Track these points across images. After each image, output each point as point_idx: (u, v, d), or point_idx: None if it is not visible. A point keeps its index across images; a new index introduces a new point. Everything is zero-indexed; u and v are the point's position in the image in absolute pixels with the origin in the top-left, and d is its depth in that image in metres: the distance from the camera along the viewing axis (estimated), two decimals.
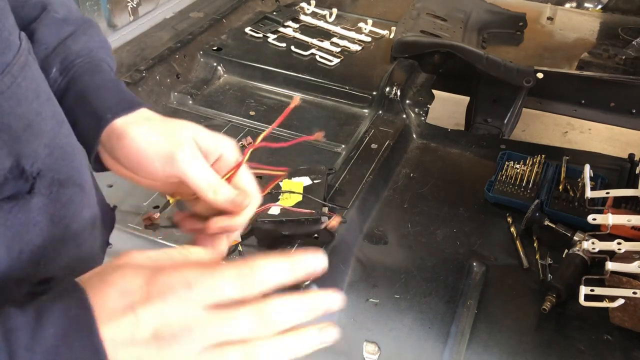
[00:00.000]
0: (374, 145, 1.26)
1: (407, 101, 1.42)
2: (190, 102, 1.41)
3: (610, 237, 0.91)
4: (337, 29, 1.68)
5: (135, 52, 1.49)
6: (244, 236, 0.98)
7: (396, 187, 1.19)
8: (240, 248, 0.97)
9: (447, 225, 1.10)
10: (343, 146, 1.28)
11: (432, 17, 1.70)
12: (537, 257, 1.02)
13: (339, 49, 1.59)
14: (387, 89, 1.41)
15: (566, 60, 1.64)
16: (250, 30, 1.65)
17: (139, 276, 0.36)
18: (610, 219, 0.91)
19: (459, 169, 1.26)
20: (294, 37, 1.64)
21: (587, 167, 1.03)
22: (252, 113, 1.38)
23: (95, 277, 0.37)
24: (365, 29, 1.69)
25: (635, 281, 0.86)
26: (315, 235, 0.99)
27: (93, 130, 0.51)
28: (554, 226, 1.05)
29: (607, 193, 0.97)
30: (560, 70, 1.51)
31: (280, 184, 1.05)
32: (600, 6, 2.05)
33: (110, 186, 1.06)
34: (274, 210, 0.97)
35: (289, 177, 1.06)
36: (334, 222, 0.95)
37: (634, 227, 0.97)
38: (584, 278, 0.90)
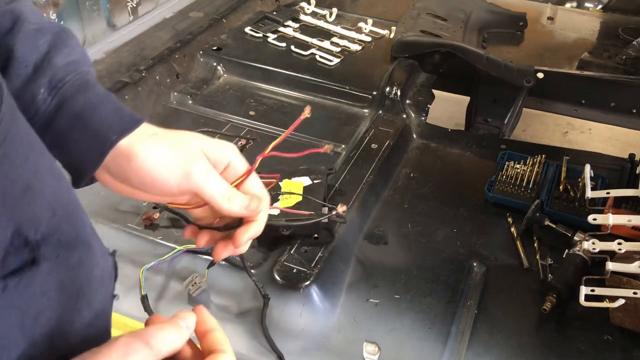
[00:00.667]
0: (374, 145, 1.26)
1: (407, 101, 1.42)
2: (190, 102, 1.41)
3: (610, 237, 0.91)
4: (337, 29, 1.68)
5: (135, 52, 1.49)
6: None
7: (396, 187, 1.19)
8: None
9: (447, 225, 1.09)
10: (343, 146, 1.28)
11: (432, 17, 1.70)
12: (538, 257, 1.02)
13: (339, 49, 1.59)
14: (387, 88, 1.41)
15: (566, 60, 1.64)
16: (250, 30, 1.65)
17: None
18: (611, 219, 0.91)
19: (459, 169, 1.26)
20: (294, 37, 1.63)
21: (587, 167, 1.02)
22: (252, 113, 1.38)
23: None
24: (365, 28, 1.69)
25: (636, 281, 0.86)
26: (315, 235, 0.99)
27: (95, 153, 0.49)
28: (554, 226, 1.05)
29: (608, 193, 0.97)
30: (560, 70, 1.51)
31: (280, 184, 1.04)
32: (600, 6, 2.05)
33: None
34: (274, 210, 0.97)
35: (289, 177, 1.06)
36: (341, 209, 0.95)
37: (634, 227, 0.97)
38: (584, 278, 0.89)
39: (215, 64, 1.52)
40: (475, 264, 1.01)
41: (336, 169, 1.16)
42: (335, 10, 1.74)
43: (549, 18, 1.87)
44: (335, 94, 1.44)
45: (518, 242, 1.05)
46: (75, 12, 1.39)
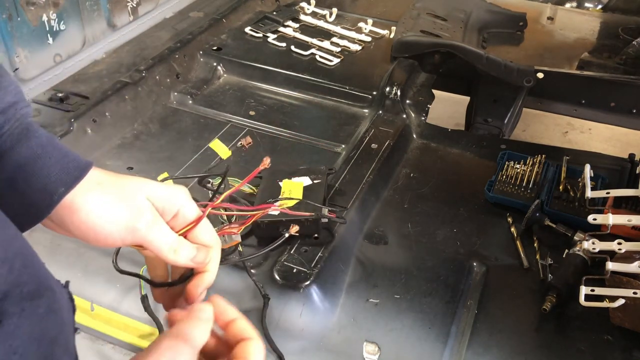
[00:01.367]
0: (374, 145, 1.26)
1: (407, 101, 1.42)
2: (190, 102, 1.41)
3: (610, 237, 0.91)
4: (337, 29, 1.68)
5: (135, 52, 1.49)
6: (244, 236, 0.98)
7: (396, 187, 1.19)
8: (240, 248, 0.96)
9: (447, 225, 1.09)
10: (343, 146, 1.28)
11: (432, 17, 1.70)
12: (538, 257, 1.02)
13: (339, 49, 1.59)
14: (387, 88, 1.41)
15: (566, 60, 1.64)
16: (250, 30, 1.65)
17: None
18: (611, 219, 0.90)
19: (459, 169, 1.26)
20: (294, 37, 1.63)
21: (587, 167, 1.02)
22: (252, 113, 1.38)
23: None
24: (365, 28, 1.69)
25: (636, 281, 0.86)
26: (315, 235, 0.99)
27: (41, 206, 0.46)
28: (554, 226, 1.05)
29: (608, 193, 0.97)
30: (560, 70, 1.51)
31: (280, 184, 1.04)
32: (600, 6, 2.05)
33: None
34: (274, 210, 0.97)
35: (289, 177, 1.06)
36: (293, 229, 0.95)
37: (634, 227, 0.97)
38: (584, 278, 0.89)
39: (215, 64, 1.52)
40: (475, 264, 1.01)
41: (336, 169, 1.16)
42: (335, 10, 1.74)
43: (548, 18, 1.87)
44: (335, 94, 1.44)
45: (518, 242, 1.05)
46: (75, 12, 1.39)
